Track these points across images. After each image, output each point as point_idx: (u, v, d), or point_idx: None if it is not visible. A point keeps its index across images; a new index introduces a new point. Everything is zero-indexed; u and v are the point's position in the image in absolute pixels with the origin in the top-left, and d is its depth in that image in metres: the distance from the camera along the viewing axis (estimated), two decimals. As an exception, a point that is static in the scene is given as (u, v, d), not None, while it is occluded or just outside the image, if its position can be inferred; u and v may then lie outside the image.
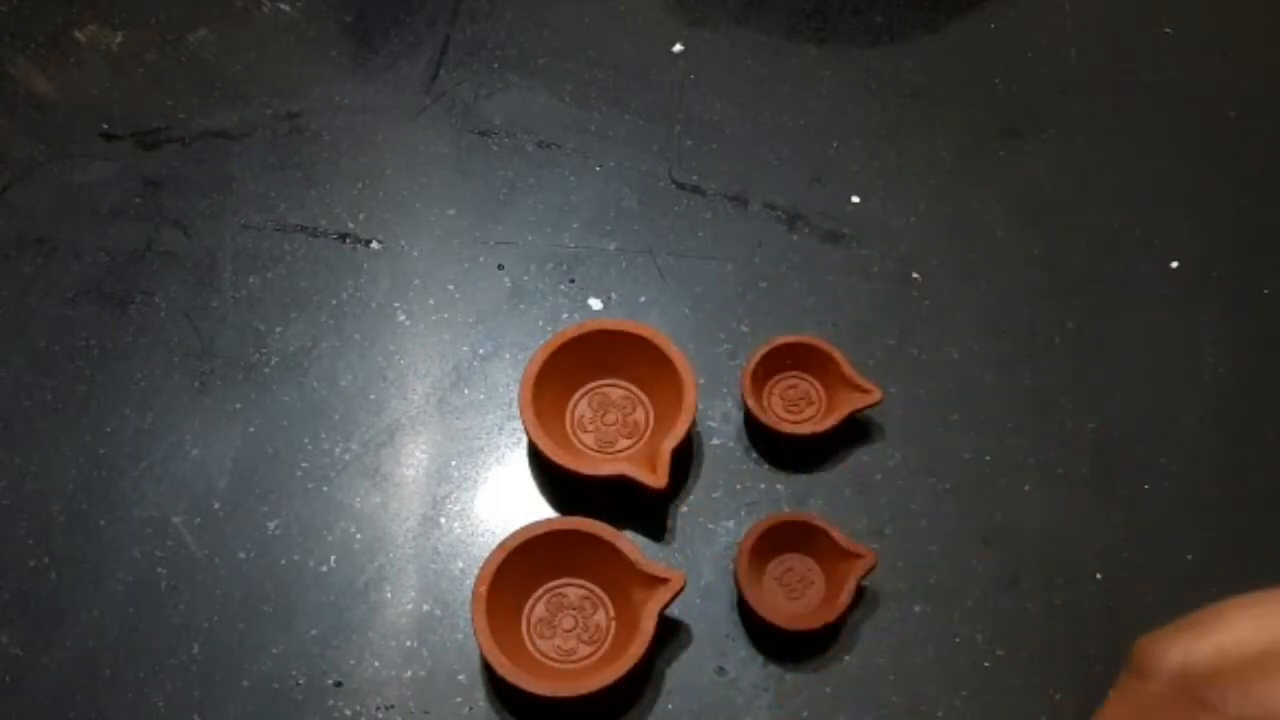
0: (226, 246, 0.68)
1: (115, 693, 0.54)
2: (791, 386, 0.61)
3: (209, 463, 0.60)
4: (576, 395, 0.60)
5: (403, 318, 0.65)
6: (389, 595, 0.56)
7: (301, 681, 0.54)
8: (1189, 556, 0.58)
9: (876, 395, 0.58)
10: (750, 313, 0.65)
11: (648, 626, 0.51)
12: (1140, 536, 0.58)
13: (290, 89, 0.74)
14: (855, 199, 0.70)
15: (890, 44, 0.77)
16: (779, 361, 0.60)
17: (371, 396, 0.62)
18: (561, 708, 0.51)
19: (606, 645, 0.54)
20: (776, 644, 0.55)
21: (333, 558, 0.57)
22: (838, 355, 0.59)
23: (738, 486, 0.59)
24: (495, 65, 0.75)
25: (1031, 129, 0.73)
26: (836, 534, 0.55)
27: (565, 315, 0.65)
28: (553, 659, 0.54)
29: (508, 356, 0.64)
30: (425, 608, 0.56)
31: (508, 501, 0.59)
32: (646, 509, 0.58)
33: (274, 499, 0.59)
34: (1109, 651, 0.55)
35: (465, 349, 0.64)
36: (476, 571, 0.53)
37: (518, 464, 0.60)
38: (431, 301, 0.66)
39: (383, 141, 0.72)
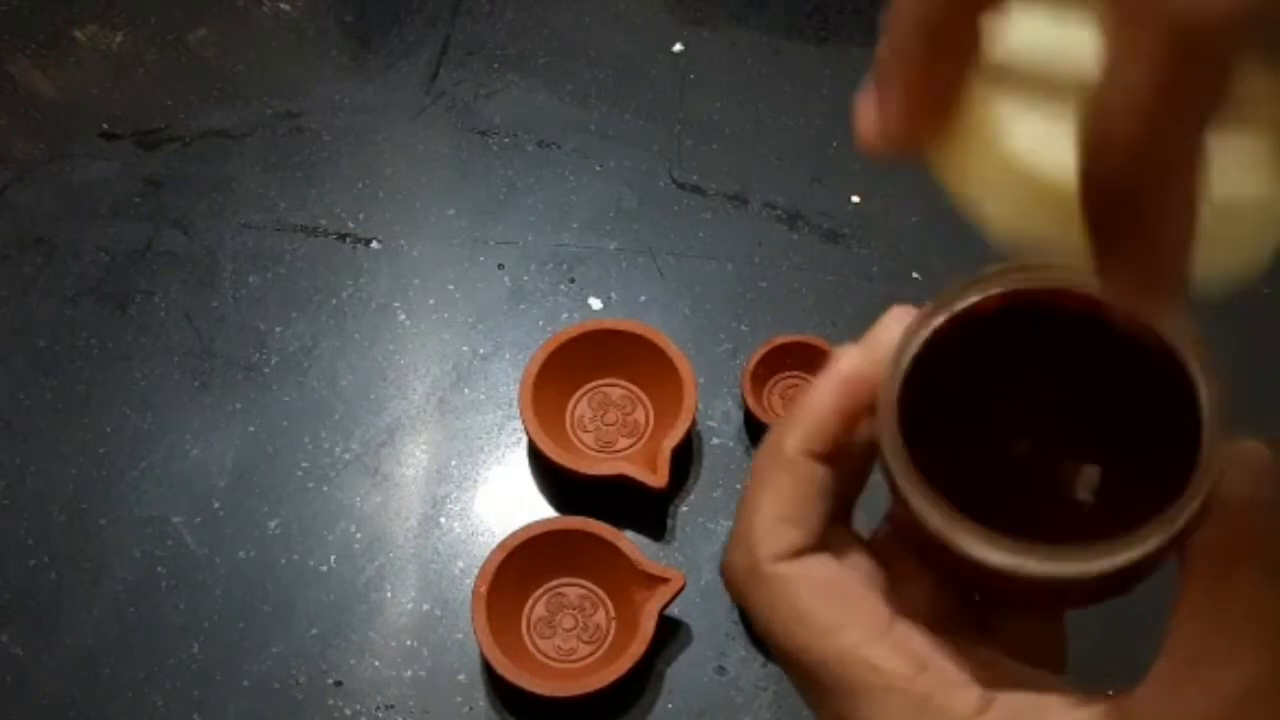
0: (226, 246, 0.67)
1: (115, 693, 0.54)
2: (791, 386, 0.61)
3: (209, 463, 0.60)
4: (576, 395, 0.60)
5: (403, 317, 0.65)
6: (389, 595, 0.56)
7: (301, 681, 0.54)
8: (1189, 556, 0.57)
9: (876, 395, 0.58)
10: (750, 313, 0.65)
11: (648, 626, 0.51)
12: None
13: (290, 89, 0.74)
14: (855, 199, 0.70)
15: (890, 44, 0.77)
16: (779, 361, 0.60)
17: (371, 396, 0.62)
18: (561, 707, 0.51)
19: (606, 645, 0.54)
20: (776, 644, 0.55)
21: (333, 558, 0.57)
22: (838, 355, 0.59)
23: (738, 486, 0.59)
24: (495, 65, 0.75)
25: (1031, 129, 0.73)
26: None
27: (565, 315, 0.65)
28: (553, 659, 0.54)
29: (508, 356, 0.64)
30: (425, 607, 0.56)
31: (508, 501, 0.59)
32: (646, 509, 0.58)
33: (274, 499, 0.59)
34: (1108, 650, 0.55)
35: (465, 349, 0.64)
36: (476, 571, 0.53)
37: (518, 464, 0.60)
38: (431, 301, 0.66)
39: (383, 141, 0.72)
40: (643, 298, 0.66)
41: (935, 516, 0.26)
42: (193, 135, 0.72)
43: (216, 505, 0.59)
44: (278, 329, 0.64)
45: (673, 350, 0.58)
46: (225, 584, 0.56)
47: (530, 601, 0.55)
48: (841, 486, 0.29)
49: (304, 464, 0.60)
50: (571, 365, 0.59)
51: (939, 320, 0.28)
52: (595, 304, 0.65)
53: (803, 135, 0.72)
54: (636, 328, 0.59)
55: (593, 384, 0.61)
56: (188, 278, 0.66)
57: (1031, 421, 0.29)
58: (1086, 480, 0.29)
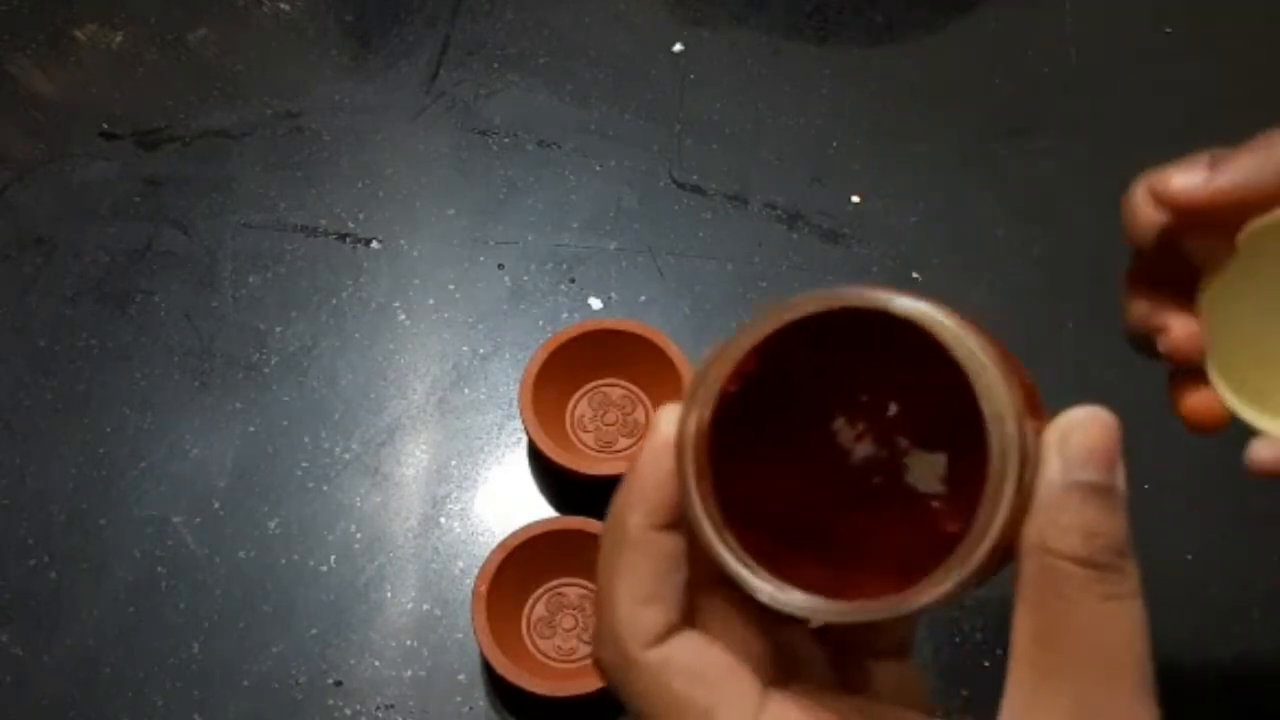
0: (226, 246, 0.67)
1: (115, 692, 0.54)
2: (791, 386, 0.61)
3: (209, 463, 0.60)
4: (576, 395, 0.60)
5: (403, 317, 0.65)
6: (389, 595, 0.56)
7: (301, 681, 0.54)
8: (1189, 556, 0.57)
9: (876, 395, 0.58)
10: (750, 313, 0.65)
11: (648, 626, 0.51)
12: (1139, 537, 0.58)
13: (290, 89, 0.74)
14: (855, 199, 0.70)
15: (890, 44, 0.77)
16: (779, 361, 0.60)
17: (371, 396, 0.62)
18: (561, 707, 0.51)
19: (606, 645, 0.54)
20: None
21: (333, 558, 0.57)
22: (838, 355, 0.59)
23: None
24: (495, 65, 0.75)
25: (1032, 129, 0.73)
26: None
27: (565, 315, 0.65)
28: (553, 658, 0.54)
29: (508, 356, 0.64)
30: (425, 607, 0.56)
31: (508, 501, 0.59)
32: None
33: (274, 499, 0.59)
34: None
35: (465, 349, 0.64)
36: (476, 571, 0.53)
37: (518, 464, 0.60)
38: (431, 301, 0.66)
39: (383, 141, 0.72)
40: (643, 298, 0.66)
41: (751, 579, 0.25)
42: (193, 135, 0.72)
43: (216, 505, 0.59)
44: (278, 329, 0.64)
45: (673, 350, 0.58)
46: (225, 584, 0.57)
47: (530, 601, 0.55)
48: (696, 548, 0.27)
49: (304, 464, 0.60)
50: (571, 365, 0.59)
51: (731, 363, 0.26)
52: (595, 304, 0.65)
53: (803, 135, 0.72)
54: (636, 328, 0.59)
55: (593, 384, 0.61)
56: (188, 278, 0.66)
57: (842, 442, 0.29)
58: (937, 474, 0.28)
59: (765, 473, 0.28)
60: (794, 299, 0.26)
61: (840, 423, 0.29)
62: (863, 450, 0.29)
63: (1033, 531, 0.24)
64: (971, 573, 0.24)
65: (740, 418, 0.27)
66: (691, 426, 0.26)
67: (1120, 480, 0.24)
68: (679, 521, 0.27)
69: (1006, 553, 0.24)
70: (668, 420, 0.27)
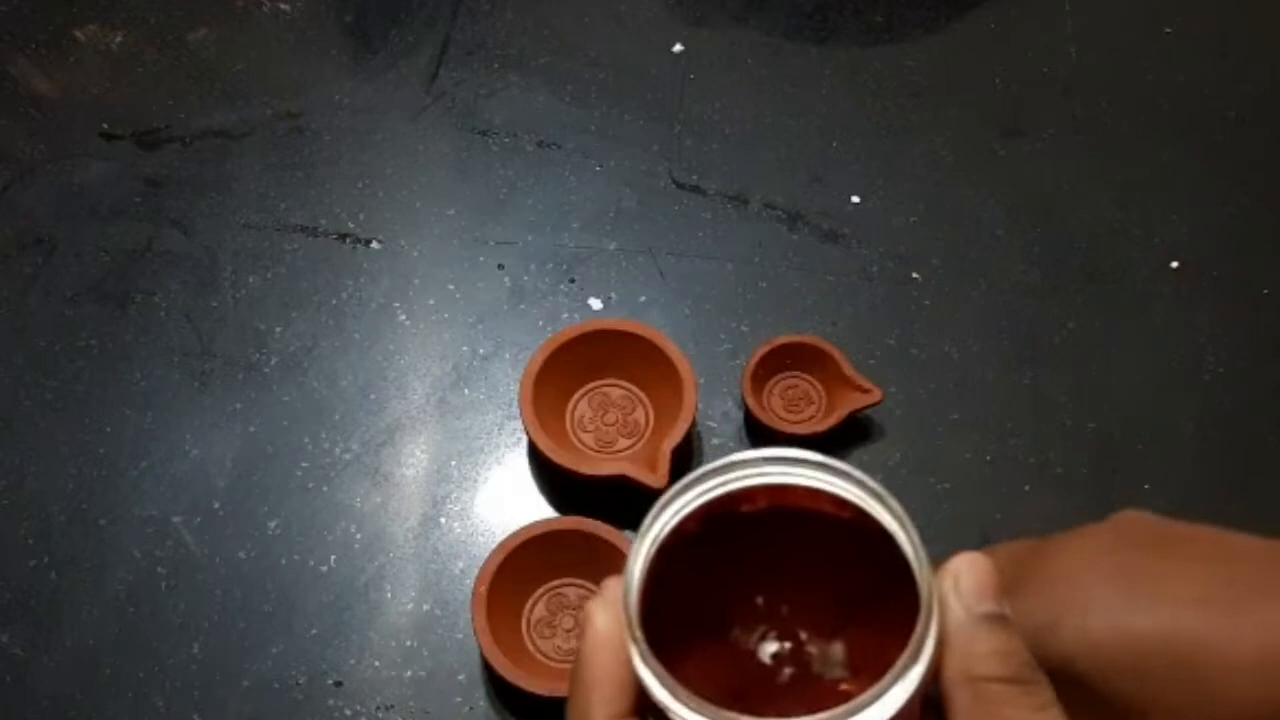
0: (226, 246, 0.67)
1: (115, 693, 0.54)
2: (791, 386, 0.61)
3: (209, 463, 0.60)
4: (576, 395, 0.60)
5: (403, 318, 0.65)
6: (389, 595, 0.56)
7: (301, 681, 0.54)
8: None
9: (877, 395, 0.58)
10: (750, 313, 0.65)
11: (648, 626, 0.51)
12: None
13: (290, 89, 0.74)
14: (855, 199, 0.70)
15: (890, 44, 0.77)
16: (779, 361, 0.60)
17: (371, 396, 0.62)
18: (562, 708, 0.50)
19: (606, 645, 0.54)
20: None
21: (333, 558, 0.57)
22: (838, 355, 0.59)
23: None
24: (495, 65, 0.75)
25: (1031, 129, 0.73)
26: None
27: (565, 315, 0.65)
28: (553, 659, 0.54)
29: (508, 356, 0.64)
30: (425, 608, 0.56)
31: (508, 501, 0.59)
32: (646, 509, 0.58)
33: (274, 499, 0.59)
34: None
35: (465, 349, 0.64)
36: (476, 571, 0.53)
37: (518, 464, 0.60)
38: (431, 301, 0.66)
39: (383, 141, 0.72)
40: (643, 298, 0.66)
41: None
42: (193, 135, 0.72)
43: (216, 505, 0.59)
44: (278, 329, 0.64)
45: (673, 350, 0.58)
46: (225, 584, 0.57)
47: (530, 601, 0.55)
48: None
49: (304, 464, 0.60)
50: (571, 365, 0.59)
51: (656, 540, 0.29)
52: (595, 304, 0.65)
53: (803, 135, 0.72)
54: (636, 328, 0.59)
55: (593, 384, 0.61)
56: (188, 278, 0.66)
57: (768, 615, 0.30)
58: (839, 660, 0.29)
59: (695, 655, 0.28)
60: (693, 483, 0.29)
61: (744, 608, 0.30)
62: (770, 647, 0.30)
63: (957, 667, 0.26)
64: (918, 682, 0.25)
65: (657, 593, 0.27)
66: (633, 606, 0.27)
67: (1009, 609, 0.27)
68: (635, 710, 0.27)
69: (926, 698, 0.26)
70: (601, 614, 0.27)
